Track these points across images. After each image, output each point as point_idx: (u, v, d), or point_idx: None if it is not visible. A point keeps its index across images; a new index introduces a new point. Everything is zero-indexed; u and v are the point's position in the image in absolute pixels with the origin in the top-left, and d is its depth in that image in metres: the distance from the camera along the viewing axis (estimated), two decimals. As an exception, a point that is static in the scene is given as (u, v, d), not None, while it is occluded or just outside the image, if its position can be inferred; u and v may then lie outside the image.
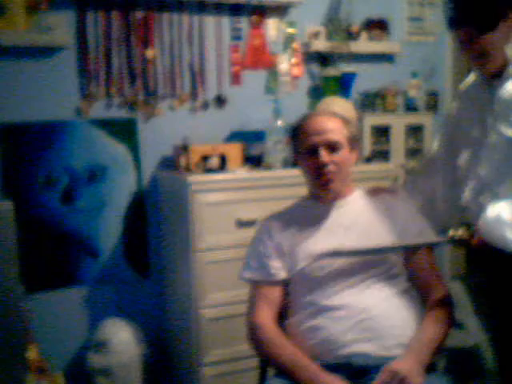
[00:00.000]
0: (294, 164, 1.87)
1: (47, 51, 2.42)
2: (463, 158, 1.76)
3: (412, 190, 1.92)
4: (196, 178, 2.33)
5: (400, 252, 1.72)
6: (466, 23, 1.69)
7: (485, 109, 1.71)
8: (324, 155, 1.69)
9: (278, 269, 1.71)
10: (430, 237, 1.75)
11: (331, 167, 1.70)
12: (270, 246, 1.73)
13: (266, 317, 1.68)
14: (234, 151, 2.51)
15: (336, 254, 1.66)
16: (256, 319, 1.69)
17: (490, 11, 1.66)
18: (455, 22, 1.71)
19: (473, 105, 1.79)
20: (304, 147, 1.73)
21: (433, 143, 2.01)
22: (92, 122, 2.52)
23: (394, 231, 1.73)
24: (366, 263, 1.67)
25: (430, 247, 1.77)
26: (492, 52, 1.68)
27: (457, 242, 1.71)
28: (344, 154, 1.72)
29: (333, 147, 1.71)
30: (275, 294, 1.71)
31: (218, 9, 2.70)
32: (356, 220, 1.74)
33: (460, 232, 1.68)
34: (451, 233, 1.70)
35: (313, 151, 1.70)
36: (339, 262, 1.67)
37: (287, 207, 1.86)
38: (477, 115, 1.74)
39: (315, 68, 2.93)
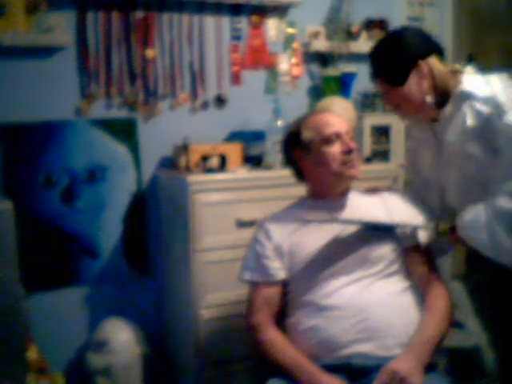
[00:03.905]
0: (290, 163, 1.86)
1: (47, 51, 2.42)
2: (430, 200, 1.83)
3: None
4: (196, 178, 2.33)
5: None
6: (378, 77, 1.74)
7: (433, 149, 1.76)
8: (350, 141, 1.73)
9: (277, 269, 1.72)
10: (428, 234, 1.76)
11: (354, 154, 1.74)
12: (268, 247, 1.73)
13: (266, 317, 1.69)
14: (234, 151, 2.51)
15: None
16: (255, 320, 1.69)
17: (398, 68, 1.69)
18: (371, 74, 1.77)
19: (421, 145, 1.85)
20: (322, 136, 1.73)
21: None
22: (92, 122, 2.52)
23: (391, 231, 1.73)
24: (366, 261, 1.67)
25: (428, 247, 1.77)
26: (405, 104, 1.72)
27: (440, 234, 1.73)
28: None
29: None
30: (274, 294, 1.72)
31: (218, 9, 2.70)
32: (354, 217, 1.74)
33: (443, 225, 1.70)
34: (436, 224, 1.73)
35: (329, 141, 1.72)
36: (338, 261, 1.67)
37: (285, 208, 1.86)
38: (428, 155, 1.80)
39: (315, 68, 2.93)
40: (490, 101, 1.59)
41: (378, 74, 1.75)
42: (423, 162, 1.84)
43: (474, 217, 1.60)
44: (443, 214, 1.80)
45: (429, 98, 1.68)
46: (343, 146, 1.73)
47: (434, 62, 1.69)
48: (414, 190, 1.94)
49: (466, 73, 1.71)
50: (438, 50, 1.72)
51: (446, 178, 1.72)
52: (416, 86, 1.68)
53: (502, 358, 1.82)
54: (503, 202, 1.53)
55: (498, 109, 1.57)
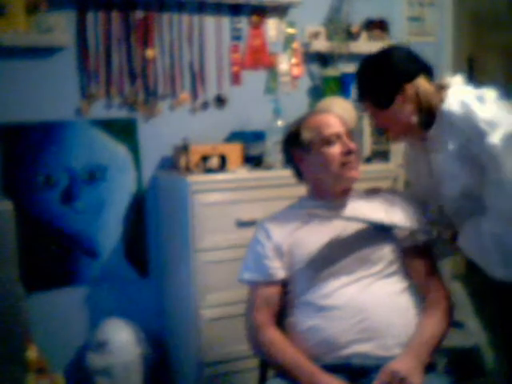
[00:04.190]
0: (290, 163, 1.86)
1: (47, 51, 2.42)
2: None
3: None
4: (196, 178, 2.33)
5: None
6: (364, 98, 1.75)
7: (427, 166, 1.75)
8: (350, 142, 1.73)
9: (277, 269, 1.72)
10: (428, 235, 1.76)
11: (354, 155, 1.74)
12: (268, 247, 1.73)
13: (266, 317, 1.68)
14: (234, 151, 2.51)
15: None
16: (255, 320, 1.69)
17: (383, 91, 1.68)
18: (357, 95, 1.78)
19: (416, 162, 1.84)
20: (322, 137, 1.73)
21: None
22: (92, 122, 2.52)
23: (390, 231, 1.73)
24: (365, 261, 1.67)
25: (429, 245, 1.77)
26: (392, 125, 1.72)
27: (441, 241, 1.73)
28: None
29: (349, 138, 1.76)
30: (274, 294, 1.72)
31: (218, 9, 2.70)
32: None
33: (444, 233, 1.71)
34: (439, 232, 1.73)
35: (329, 142, 1.72)
36: (338, 261, 1.67)
37: (285, 208, 1.86)
38: (423, 170, 1.79)
39: (315, 68, 2.93)
40: (469, 120, 1.58)
41: (363, 95, 1.76)
42: (420, 175, 1.84)
43: (469, 231, 1.62)
44: (442, 219, 1.80)
45: (414, 120, 1.67)
46: (343, 147, 1.72)
47: (420, 82, 1.68)
48: (415, 192, 1.94)
49: (454, 86, 1.69)
50: (425, 70, 1.71)
51: (440, 192, 1.72)
52: (401, 108, 1.67)
53: (502, 357, 1.82)
54: (488, 226, 1.55)
55: (476, 129, 1.56)
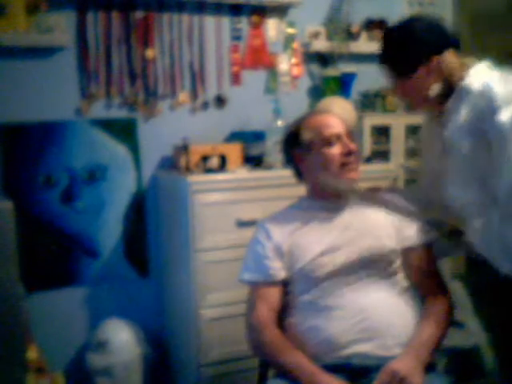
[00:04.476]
0: (290, 163, 1.86)
1: (47, 51, 2.42)
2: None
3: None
4: (196, 178, 2.33)
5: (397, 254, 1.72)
6: (386, 64, 1.72)
7: (439, 144, 1.73)
8: (350, 143, 1.72)
9: (277, 269, 1.71)
10: (428, 234, 1.76)
11: (354, 156, 1.73)
12: (268, 247, 1.73)
13: (266, 318, 1.68)
14: (234, 151, 2.51)
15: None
16: (255, 320, 1.68)
17: (408, 60, 1.66)
18: (380, 58, 1.74)
19: (431, 139, 1.82)
20: (322, 138, 1.73)
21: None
22: (92, 122, 2.52)
23: (390, 231, 1.73)
24: (365, 261, 1.67)
25: (429, 245, 1.77)
26: (411, 94, 1.70)
27: (448, 239, 1.72)
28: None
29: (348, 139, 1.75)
30: (274, 294, 1.71)
31: (218, 9, 2.70)
32: (354, 219, 1.74)
33: (451, 231, 1.69)
34: (444, 232, 1.71)
35: (329, 143, 1.72)
36: (338, 261, 1.67)
37: (285, 208, 1.86)
38: (436, 149, 1.76)
39: (315, 68, 2.93)
40: (486, 94, 1.58)
41: (386, 61, 1.72)
42: (432, 155, 1.82)
43: (484, 224, 1.59)
44: (446, 212, 1.79)
45: (433, 92, 1.66)
46: (343, 148, 1.72)
47: (447, 56, 1.65)
48: (421, 183, 1.93)
49: (477, 67, 1.67)
50: (453, 44, 1.69)
51: (448, 170, 1.70)
52: (423, 79, 1.65)
53: (502, 357, 1.81)
54: (496, 218, 1.54)
55: (491, 103, 1.55)
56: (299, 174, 1.83)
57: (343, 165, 1.72)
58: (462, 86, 1.64)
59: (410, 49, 1.66)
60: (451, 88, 1.66)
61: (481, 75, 1.63)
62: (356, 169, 1.75)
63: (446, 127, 1.67)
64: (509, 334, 1.71)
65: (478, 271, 1.78)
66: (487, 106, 1.56)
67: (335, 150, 1.72)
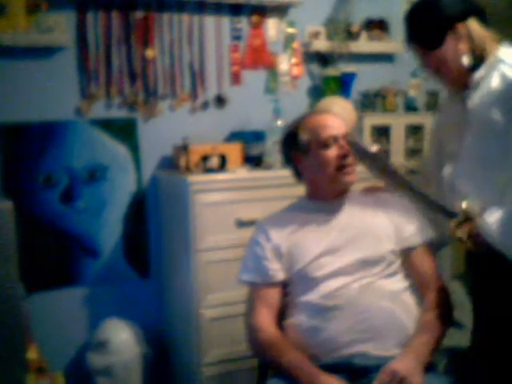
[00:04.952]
0: (288, 163, 1.86)
1: (47, 51, 2.42)
2: (446, 171, 1.75)
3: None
4: (196, 178, 2.33)
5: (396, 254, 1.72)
6: (414, 41, 1.71)
7: (460, 122, 1.70)
8: (346, 145, 1.72)
9: (276, 270, 1.71)
10: (427, 234, 1.75)
11: (351, 158, 1.72)
12: (267, 248, 1.73)
13: (265, 319, 1.68)
14: (234, 151, 2.51)
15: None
16: (255, 321, 1.68)
17: (434, 31, 1.65)
18: (407, 38, 1.73)
19: (450, 118, 1.79)
20: (319, 139, 1.72)
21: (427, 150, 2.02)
22: (92, 122, 2.52)
23: (389, 232, 1.73)
24: (365, 262, 1.67)
25: (429, 245, 1.77)
26: (444, 66, 1.68)
27: (457, 241, 1.70)
28: None
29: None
30: (274, 295, 1.71)
31: (218, 9, 2.70)
32: (352, 220, 1.74)
33: (459, 233, 1.66)
34: (450, 231, 1.69)
35: (326, 145, 1.71)
36: (337, 262, 1.67)
37: (283, 208, 1.86)
38: (455, 129, 1.74)
39: (315, 68, 2.93)
40: None
41: (413, 38, 1.71)
42: (449, 137, 1.80)
43: (503, 217, 1.55)
44: (449, 199, 1.78)
45: (465, 61, 1.64)
46: (340, 150, 1.71)
47: (472, 24, 1.65)
48: (423, 174, 1.92)
49: (507, 46, 1.66)
50: (478, 13, 1.67)
51: (463, 149, 1.69)
52: (453, 48, 1.64)
53: (493, 357, 1.81)
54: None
55: None
56: (298, 175, 1.83)
57: (340, 167, 1.71)
58: (496, 56, 1.63)
59: (434, 18, 1.64)
60: (481, 58, 1.64)
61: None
62: (353, 171, 1.74)
63: (470, 98, 1.65)
64: (508, 334, 1.70)
65: (478, 271, 1.78)
66: None
67: (332, 153, 1.71)
